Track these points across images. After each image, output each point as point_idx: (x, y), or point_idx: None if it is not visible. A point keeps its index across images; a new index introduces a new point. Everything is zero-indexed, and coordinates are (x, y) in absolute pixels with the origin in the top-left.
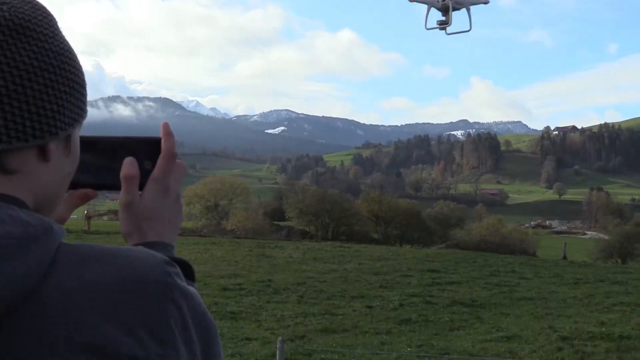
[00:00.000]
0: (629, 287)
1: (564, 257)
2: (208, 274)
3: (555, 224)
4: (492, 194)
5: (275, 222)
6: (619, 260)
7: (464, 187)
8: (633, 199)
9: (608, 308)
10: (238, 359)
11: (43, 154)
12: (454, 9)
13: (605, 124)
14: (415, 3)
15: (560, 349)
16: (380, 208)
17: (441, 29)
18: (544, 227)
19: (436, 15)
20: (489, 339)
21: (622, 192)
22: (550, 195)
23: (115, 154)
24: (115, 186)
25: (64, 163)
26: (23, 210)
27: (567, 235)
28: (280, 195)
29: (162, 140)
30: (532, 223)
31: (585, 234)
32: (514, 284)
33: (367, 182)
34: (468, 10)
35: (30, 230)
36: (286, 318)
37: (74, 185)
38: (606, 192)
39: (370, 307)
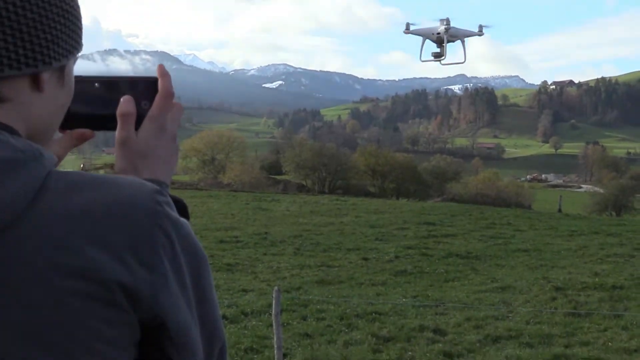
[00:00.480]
0: (623, 239)
1: (559, 210)
2: (205, 227)
3: (551, 177)
4: (488, 148)
5: (272, 176)
6: (614, 213)
7: (460, 141)
8: (629, 153)
9: (602, 259)
10: (234, 310)
11: (36, 83)
12: (449, 41)
13: (602, 78)
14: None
15: (553, 299)
16: (377, 162)
17: (436, 60)
18: (540, 180)
19: (431, 47)
20: (483, 290)
21: (618, 146)
22: (547, 149)
23: (113, 92)
24: (112, 125)
25: (58, 94)
26: (13, 137)
27: (562, 188)
28: (277, 149)
29: (159, 80)
30: (528, 177)
31: (580, 187)
32: (509, 236)
33: (364, 136)
34: (463, 42)
35: (19, 155)
36: (282, 270)
37: (70, 122)
38: (602, 145)
39: (366, 259)
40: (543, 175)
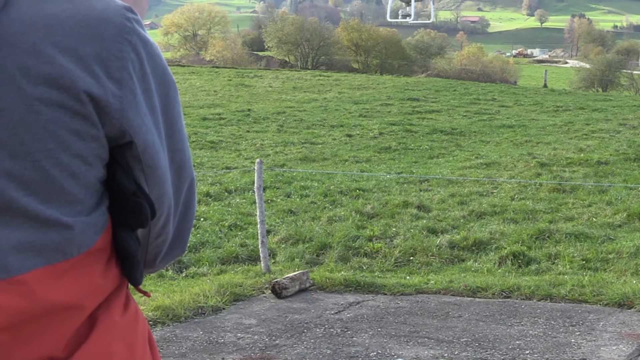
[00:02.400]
0: (609, 114)
1: (545, 86)
2: (187, 104)
3: (537, 52)
4: (472, 22)
5: (255, 52)
6: (600, 89)
7: (444, 15)
8: (615, 26)
9: (587, 135)
10: (218, 188)
11: None
12: (417, 0)
13: None
14: None
15: (538, 175)
16: (360, 37)
17: (404, 19)
18: (525, 55)
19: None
20: (468, 166)
21: (605, 19)
22: (532, 22)
23: None
24: None
25: None
26: None
27: (548, 64)
28: (259, 24)
29: None
30: (513, 51)
31: (566, 62)
32: (494, 111)
33: (346, 9)
34: (431, 2)
35: None
36: (266, 147)
37: None
38: (588, 18)
39: (350, 135)
40: (528, 50)
